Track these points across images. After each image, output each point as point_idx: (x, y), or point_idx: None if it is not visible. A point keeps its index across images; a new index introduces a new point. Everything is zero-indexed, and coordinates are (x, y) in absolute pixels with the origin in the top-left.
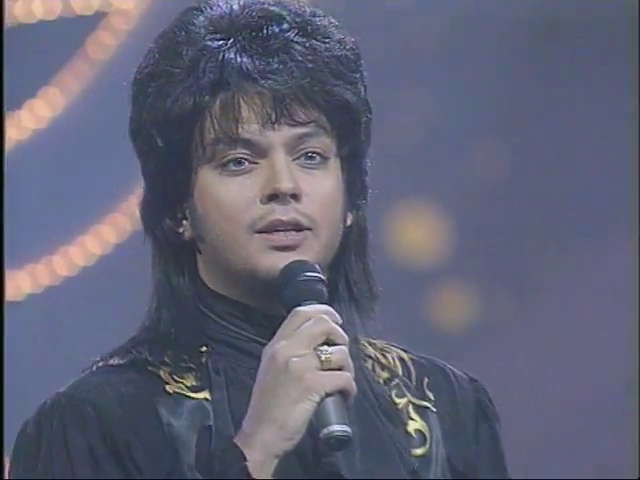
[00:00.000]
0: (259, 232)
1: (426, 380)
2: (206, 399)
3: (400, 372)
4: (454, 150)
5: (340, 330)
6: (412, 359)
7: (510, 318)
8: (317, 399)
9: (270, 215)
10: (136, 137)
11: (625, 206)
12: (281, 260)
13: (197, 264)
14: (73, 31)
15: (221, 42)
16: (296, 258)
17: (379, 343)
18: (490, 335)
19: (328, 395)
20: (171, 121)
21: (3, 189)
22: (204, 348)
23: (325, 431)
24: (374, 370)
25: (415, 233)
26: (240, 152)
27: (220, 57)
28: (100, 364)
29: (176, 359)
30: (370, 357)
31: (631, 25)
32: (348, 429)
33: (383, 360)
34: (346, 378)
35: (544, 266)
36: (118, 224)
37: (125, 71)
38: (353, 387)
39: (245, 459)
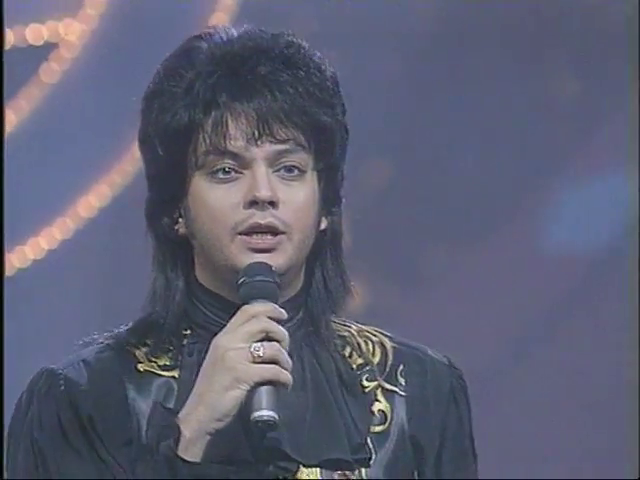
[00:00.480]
0: (240, 234)
1: (401, 367)
2: (174, 377)
3: (377, 359)
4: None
5: (278, 328)
6: (394, 347)
7: (399, 314)
8: (246, 388)
9: (250, 219)
10: (142, 145)
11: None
12: (259, 260)
13: (193, 259)
14: (26, 59)
15: (216, 67)
16: (271, 259)
17: (367, 330)
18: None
19: (258, 385)
20: (170, 133)
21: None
22: (188, 331)
23: (254, 415)
24: (350, 356)
25: None
26: (227, 163)
27: (213, 80)
28: (88, 343)
29: (158, 341)
30: (350, 344)
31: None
32: (274, 414)
33: (363, 347)
34: (274, 371)
35: (433, 263)
36: (69, 220)
37: (70, 92)
38: (284, 378)
39: (180, 434)
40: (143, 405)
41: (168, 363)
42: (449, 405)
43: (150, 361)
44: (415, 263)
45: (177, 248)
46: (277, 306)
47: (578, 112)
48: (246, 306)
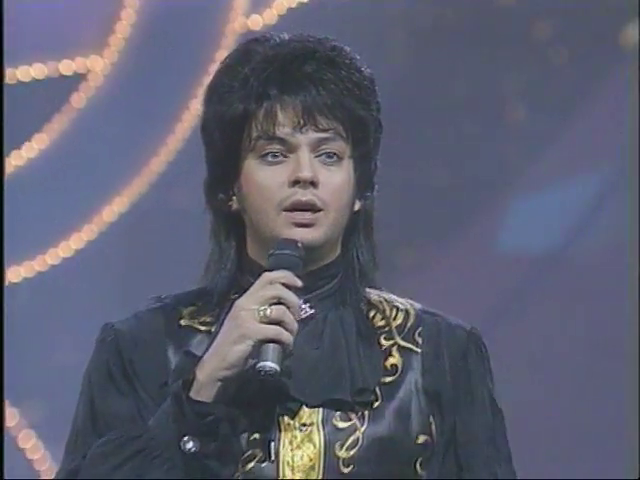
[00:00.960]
0: (285, 210)
1: (419, 329)
2: (209, 332)
3: (398, 322)
4: None
5: (289, 294)
6: (417, 313)
7: None
8: (251, 343)
9: (293, 196)
10: (203, 131)
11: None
12: (299, 234)
13: (245, 234)
14: (58, 88)
15: (268, 65)
16: (309, 234)
17: (396, 299)
18: None
19: (261, 342)
20: (227, 121)
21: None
22: (235, 295)
23: (258, 365)
24: (373, 318)
25: None
26: (275, 147)
27: (265, 76)
28: (153, 301)
29: (207, 302)
30: (375, 308)
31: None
32: (275, 366)
33: (387, 312)
34: (277, 331)
35: (404, 261)
36: (93, 229)
37: (95, 116)
38: (285, 338)
39: (194, 377)
40: (178, 355)
41: (209, 320)
42: (457, 360)
43: (193, 318)
44: (389, 261)
45: (230, 222)
46: (293, 275)
47: (529, 133)
48: (266, 272)
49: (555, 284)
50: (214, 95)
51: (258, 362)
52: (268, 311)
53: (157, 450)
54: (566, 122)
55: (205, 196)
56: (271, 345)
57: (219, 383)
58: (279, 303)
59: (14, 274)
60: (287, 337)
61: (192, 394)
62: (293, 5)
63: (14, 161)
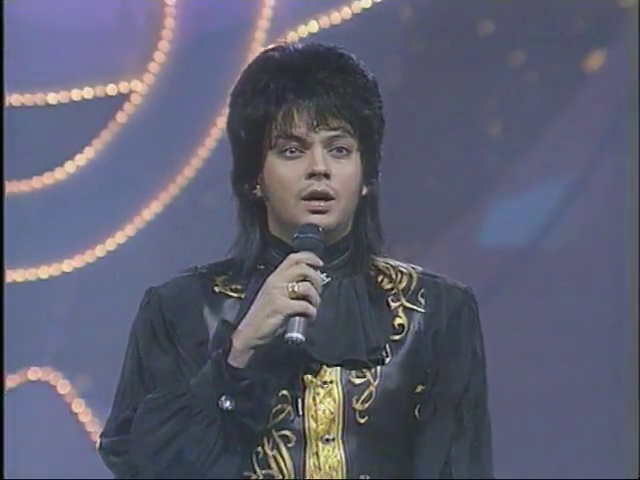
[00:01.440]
0: (302, 199)
1: (422, 290)
2: (240, 298)
3: (403, 285)
4: None
5: (314, 272)
6: (419, 277)
7: None
8: (281, 317)
9: (310, 187)
10: (229, 131)
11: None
12: (315, 220)
13: (266, 216)
14: (105, 107)
15: (285, 72)
16: (323, 220)
17: (401, 265)
18: None
19: (290, 315)
20: (250, 122)
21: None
22: (262, 267)
23: (287, 336)
24: (382, 282)
25: None
26: (293, 145)
27: (283, 82)
28: (185, 271)
29: (236, 272)
30: (383, 273)
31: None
32: (301, 337)
33: (393, 276)
34: (304, 305)
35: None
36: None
37: (136, 131)
38: (310, 312)
39: (231, 345)
40: (213, 318)
41: (239, 287)
42: (452, 318)
43: (225, 285)
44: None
45: (254, 208)
46: (316, 256)
47: (504, 145)
48: (292, 254)
49: (527, 275)
50: (238, 99)
51: (286, 333)
52: (296, 287)
53: (198, 407)
54: (536, 136)
55: (232, 186)
56: (298, 318)
57: (252, 351)
58: (305, 280)
59: (68, 265)
60: (312, 311)
61: (229, 360)
62: (314, 30)
63: (69, 169)
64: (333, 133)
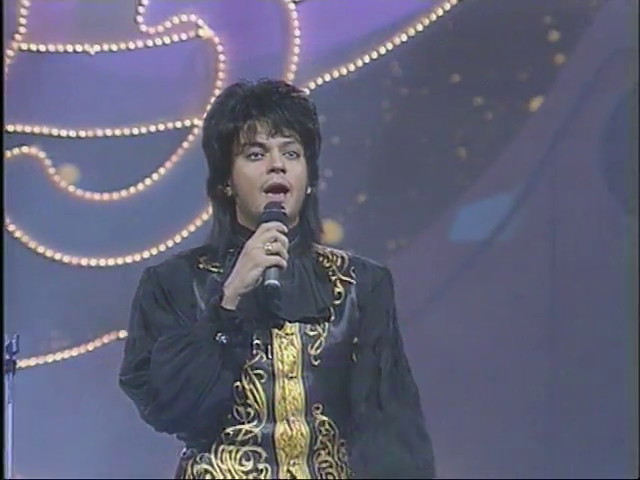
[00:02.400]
0: (265, 191)
1: (353, 267)
2: (219, 272)
3: (338, 264)
4: None
5: (282, 236)
6: (350, 258)
7: None
8: (261, 269)
9: (271, 180)
10: (205, 147)
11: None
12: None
13: (235, 210)
14: (174, 137)
15: (248, 97)
16: (285, 208)
17: (337, 250)
18: None
19: (268, 267)
20: (223, 135)
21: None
22: (231, 250)
23: (265, 282)
24: (323, 262)
25: None
26: (256, 149)
27: (247, 103)
28: (174, 255)
29: (213, 254)
30: (323, 256)
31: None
32: (277, 283)
33: (331, 257)
34: (278, 259)
35: (384, 249)
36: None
37: (198, 155)
38: (282, 263)
39: (223, 293)
40: (200, 287)
41: (217, 264)
42: (375, 286)
43: (207, 263)
44: (381, 245)
45: (226, 204)
46: (282, 225)
47: (469, 164)
48: (264, 224)
49: (485, 262)
50: (212, 120)
51: (265, 280)
52: (270, 246)
53: (200, 343)
54: (492, 159)
55: (207, 189)
56: (273, 269)
57: (239, 297)
58: (276, 241)
59: (147, 253)
60: (283, 263)
61: (223, 304)
62: (327, 79)
63: (147, 183)
64: (286, 140)
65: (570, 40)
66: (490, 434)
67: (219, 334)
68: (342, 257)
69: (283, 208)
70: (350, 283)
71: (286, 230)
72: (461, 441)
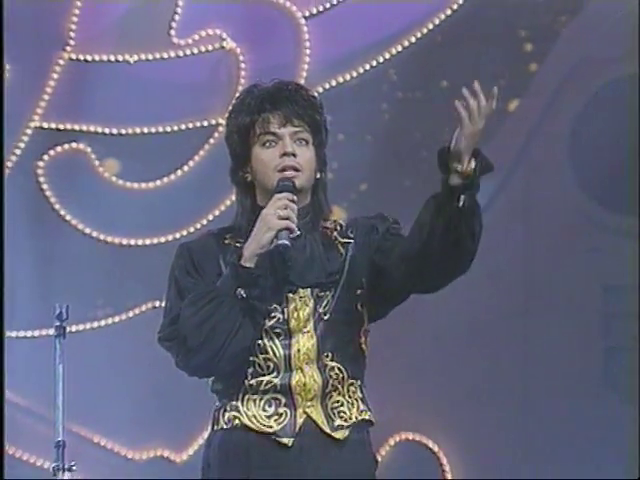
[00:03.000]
0: (278, 171)
1: (350, 229)
2: (241, 243)
3: (338, 230)
4: None
5: (291, 203)
6: (347, 223)
7: None
8: (274, 231)
9: (283, 162)
10: (227, 138)
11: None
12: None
13: (255, 193)
14: (201, 134)
15: (262, 95)
16: (296, 183)
17: (340, 221)
18: None
19: (280, 230)
20: (242, 127)
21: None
22: (253, 228)
23: (277, 242)
24: (331, 234)
25: None
26: (270, 138)
27: (261, 99)
28: (204, 233)
29: (237, 231)
30: (329, 228)
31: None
32: (287, 242)
33: (332, 226)
34: (288, 223)
35: None
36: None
37: (221, 151)
38: (292, 227)
39: (242, 255)
40: (225, 259)
41: (241, 241)
42: (370, 227)
43: (232, 239)
44: None
45: (246, 188)
46: (292, 195)
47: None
48: (277, 194)
49: None
50: (232, 115)
51: (278, 241)
52: (281, 213)
53: (222, 297)
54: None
55: (230, 176)
56: (284, 231)
57: (256, 257)
58: (286, 208)
59: (179, 234)
60: (293, 226)
61: (242, 262)
62: (333, 84)
63: (179, 174)
64: (296, 129)
65: (542, 51)
66: (471, 400)
67: (239, 289)
68: (340, 224)
69: (293, 182)
70: (349, 243)
71: (295, 199)
72: (442, 403)
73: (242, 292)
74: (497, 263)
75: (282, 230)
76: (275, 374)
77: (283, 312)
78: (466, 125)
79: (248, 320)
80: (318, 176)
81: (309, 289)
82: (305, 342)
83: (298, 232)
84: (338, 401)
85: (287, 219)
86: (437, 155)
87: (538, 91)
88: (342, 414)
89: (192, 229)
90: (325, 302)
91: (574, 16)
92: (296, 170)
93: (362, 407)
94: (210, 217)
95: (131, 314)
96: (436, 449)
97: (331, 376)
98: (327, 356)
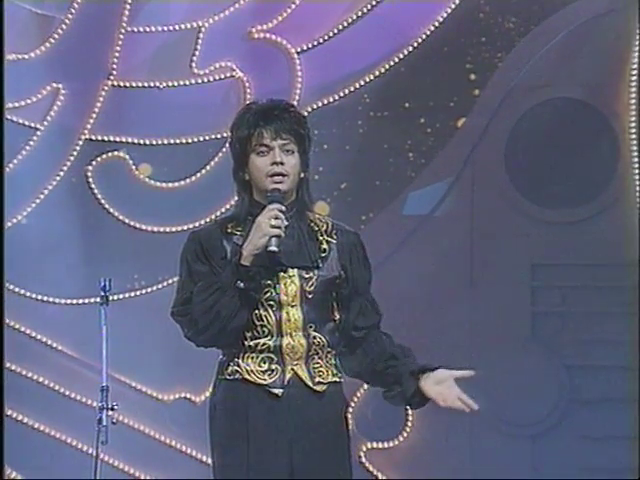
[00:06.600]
0: (269, 177)
1: (335, 231)
2: (241, 234)
3: (324, 229)
4: None
5: (280, 214)
6: (332, 224)
7: None
8: (267, 237)
9: (273, 169)
10: (231, 146)
11: None
12: (276, 186)
13: (252, 190)
14: (210, 145)
15: (258, 112)
16: (281, 186)
17: (325, 218)
18: None
19: (271, 237)
20: (241, 138)
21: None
22: (249, 218)
23: (268, 248)
24: (313, 226)
25: None
26: (263, 149)
27: (257, 117)
28: (210, 223)
29: (237, 221)
30: (314, 221)
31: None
32: (276, 248)
33: (319, 223)
34: (278, 231)
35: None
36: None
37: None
38: (281, 234)
39: (241, 254)
40: (227, 244)
41: (240, 229)
42: (352, 246)
43: (232, 228)
44: (350, 220)
45: (245, 185)
46: (281, 206)
47: (418, 165)
48: (269, 205)
49: (426, 231)
50: (234, 127)
51: (268, 247)
52: (272, 222)
53: (225, 288)
54: (429, 161)
55: (233, 176)
56: (274, 238)
57: (252, 257)
58: (277, 218)
59: (197, 225)
60: (281, 234)
61: (241, 261)
62: (320, 105)
63: (198, 175)
64: (284, 141)
65: (483, 79)
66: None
67: (238, 282)
68: (327, 223)
69: (281, 192)
70: (333, 242)
71: (284, 209)
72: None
73: (241, 284)
74: (449, 246)
75: (273, 237)
76: (269, 337)
77: (275, 287)
78: (441, 403)
79: (245, 305)
80: (302, 175)
81: (296, 270)
82: (294, 313)
83: (286, 222)
84: (318, 363)
85: (277, 228)
86: (415, 371)
87: (480, 111)
88: (321, 374)
89: (208, 219)
90: (310, 283)
91: (508, 52)
92: (283, 175)
93: (335, 371)
94: (222, 210)
95: (160, 286)
96: None
97: (314, 343)
98: (311, 327)
